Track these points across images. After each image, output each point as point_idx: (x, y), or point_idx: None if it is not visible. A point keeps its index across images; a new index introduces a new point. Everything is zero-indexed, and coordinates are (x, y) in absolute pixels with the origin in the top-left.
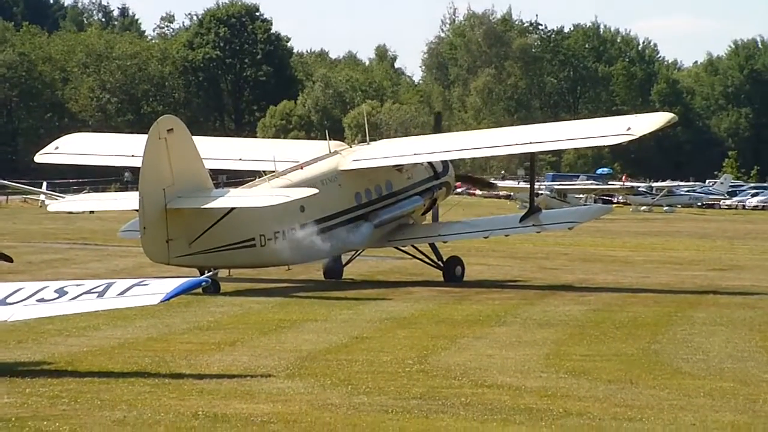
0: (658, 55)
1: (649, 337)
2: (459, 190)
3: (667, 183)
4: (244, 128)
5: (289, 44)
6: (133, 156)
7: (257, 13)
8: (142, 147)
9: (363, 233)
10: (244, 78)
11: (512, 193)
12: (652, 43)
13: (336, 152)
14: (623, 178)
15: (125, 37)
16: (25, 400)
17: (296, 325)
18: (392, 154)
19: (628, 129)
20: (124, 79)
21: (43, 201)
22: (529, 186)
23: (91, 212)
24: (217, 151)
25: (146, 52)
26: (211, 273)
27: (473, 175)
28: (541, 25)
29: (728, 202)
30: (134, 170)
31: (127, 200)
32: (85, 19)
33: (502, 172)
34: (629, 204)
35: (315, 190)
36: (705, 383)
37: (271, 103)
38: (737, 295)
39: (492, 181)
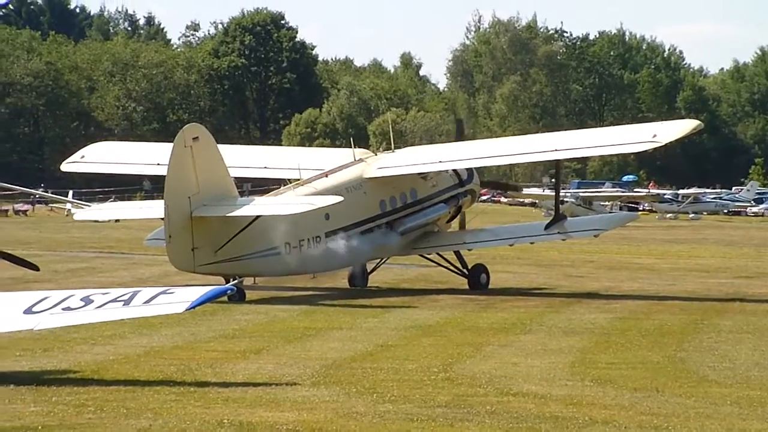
0: (684, 62)
1: (675, 345)
2: (484, 197)
3: (693, 190)
4: (269, 136)
5: (314, 52)
6: (158, 164)
7: (282, 21)
8: (167, 155)
9: (388, 241)
10: (269, 86)
11: (537, 201)
12: (677, 50)
13: (361, 160)
14: (650, 185)
15: (151, 45)
16: (51, 408)
17: (321, 333)
18: (417, 162)
19: (654, 136)
20: (149, 87)
21: (69, 210)
22: (554, 193)
23: (117, 221)
24: (242, 159)
25: (172, 61)
26: (236, 281)
27: (498, 180)
28: (567, 32)
29: (755, 209)
30: (153, 179)
31: (153, 209)
32: (111, 28)
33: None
34: (655, 211)
35: (340, 198)
36: (732, 391)
37: (296, 111)
38: (764, 302)
39: (516, 183)
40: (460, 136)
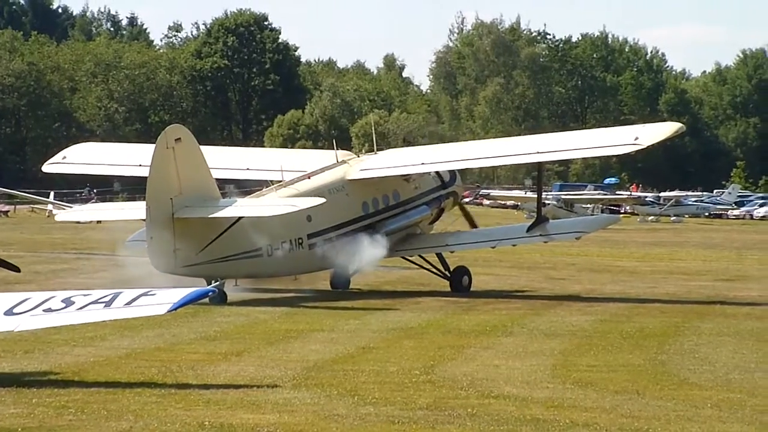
0: (666, 65)
1: (656, 348)
2: (466, 199)
3: (675, 193)
4: (252, 137)
5: (297, 53)
6: (140, 165)
7: (265, 23)
8: (149, 156)
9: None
10: (252, 87)
11: (519, 203)
12: (660, 53)
13: (343, 162)
14: (632, 187)
15: (133, 46)
16: (31, 410)
17: (303, 336)
18: (400, 164)
19: (636, 139)
20: (132, 88)
21: (51, 210)
22: (536, 196)
23: (99, 222)
24: (225, 160)
25: (154, 62)
26: (217, 283)
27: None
28: (549, 34)
29: (736, 212)
30: (123, 180)
31: (135, 210)
32: (93, 29)
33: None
34: (637, 214)
35: (322, 200)
36: (712, 394)
37: (278, 112)
38: (745, 305)
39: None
40: None
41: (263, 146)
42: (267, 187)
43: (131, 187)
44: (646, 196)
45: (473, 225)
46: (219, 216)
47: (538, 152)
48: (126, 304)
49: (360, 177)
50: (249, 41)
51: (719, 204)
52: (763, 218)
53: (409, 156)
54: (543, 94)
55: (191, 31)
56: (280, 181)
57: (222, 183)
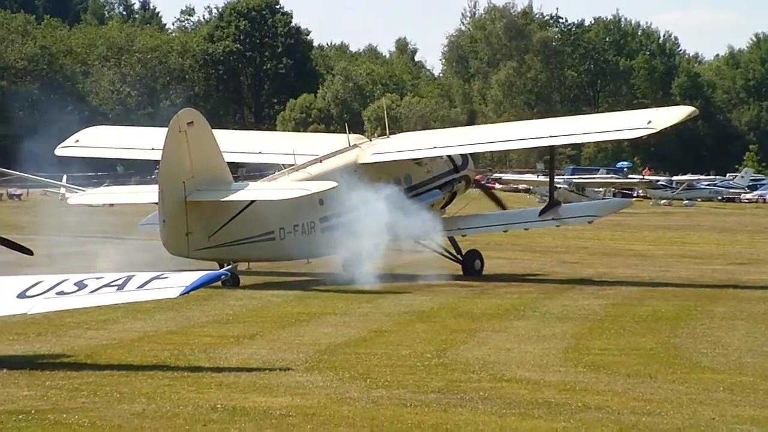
0: (679, 49)
1: (668, 332)
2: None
3: (688, 177)
4: (264, 121)
5: (309, 37)
6: (153, 149)
7: (277, 6)
8: (162, 140)
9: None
10: (264, 71)
11: (531, 187)
12: (673, 36)
13: (355, 145)
14: (645, 171)
15: (146, 30)
16: (44, 392)
17: (315, 319)
18: (412, 148)
19: (649, 122)
20: (144, 72)
21: (63, 194)
22: (548, 180)
23: (111, 205)
24: (237, 144)
25: (166, 45)
26: (230, 266)
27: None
28: (562, 18)
29: (749, 195)
30: (126, 164)
31: (147, 193)
32: (106, 12)
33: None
34: (649, 198)
35: (334, 184)
36: (725, 378)
37: (290, 96)
38: (757, 289)
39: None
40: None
41: (275, 130)
42: (279, 170)
43: (133, 171)
44: (657, 180)
45: (502, 207)
46: (231, 199)
47: (550, 136)
48: (138, 287)
49: (372, 161)
50: (261, 25)
51: (732, 188)
52: None
53: (421, 140)
54: (555, 78)
55: (203, 15)
56: (292, 165)
57: (234, 167)
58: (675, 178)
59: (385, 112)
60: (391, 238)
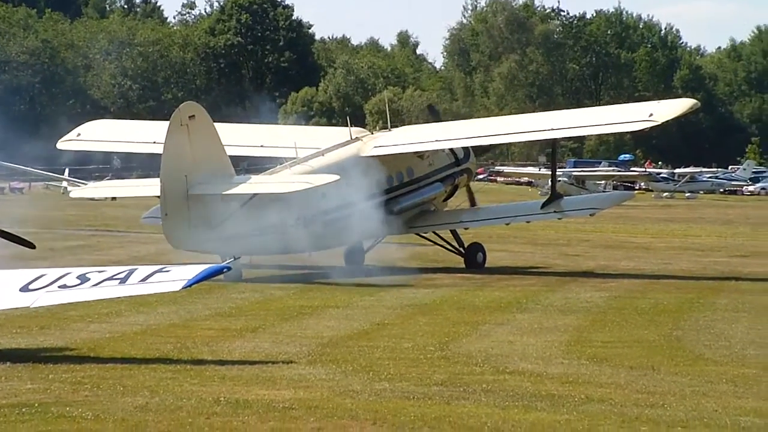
0: (681, 41)
1: (671, 324)
2: (480, 176)
3: (690, 169)
4: (266, 115)
5: (310, 31)
6: (154, 143)
7: (279, 0)
8: (163, 133)
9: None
10: (265, 64)
11: (533, 180)
12: (674, 29)
13: (357, 139)
14: (647, 164)
15: (147, 23)
16: (47, 386)
17: (318, 312)
18: (413, 141)
19: (651, 115)
20: (145, 65)
21: (66, 187)
22: (550, 172)
23: (113, 198)
24: (239, 137)
25: (168, 39)
26: (232, 259)
27: None
28: (564, 11)
29: (750, 188)
30: (123, 157)
31: (149, 186)
32: (107, 6)
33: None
34: (651, 190)
35: (336, 177)
36: (727, 369)
37: (292, 89)
38: (759, 281)
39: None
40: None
41: (277, 124)
42: (281, 164)
43: (132, 165)
44: (659, 173)
45: (473, 203)
46: (233, 193)
47: (552, 129)
48: (141, 280)
49: (374, 154)
50: (262, 18)
51: (734, 180)
52: None
53: (423, 133)
54: (557, 71)
55: (205, 9)
56: (294, 158)
57: (236, 160)
58: (677, 170)
59: (387, 106)
60: (390, 231)
